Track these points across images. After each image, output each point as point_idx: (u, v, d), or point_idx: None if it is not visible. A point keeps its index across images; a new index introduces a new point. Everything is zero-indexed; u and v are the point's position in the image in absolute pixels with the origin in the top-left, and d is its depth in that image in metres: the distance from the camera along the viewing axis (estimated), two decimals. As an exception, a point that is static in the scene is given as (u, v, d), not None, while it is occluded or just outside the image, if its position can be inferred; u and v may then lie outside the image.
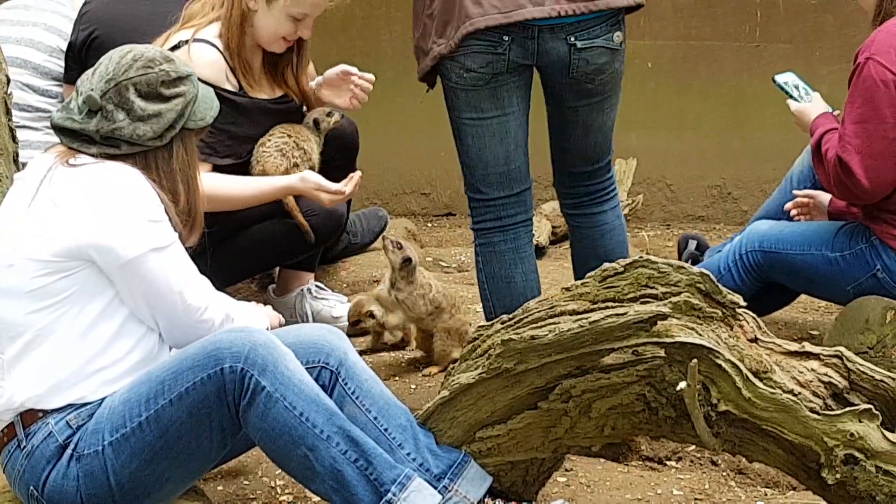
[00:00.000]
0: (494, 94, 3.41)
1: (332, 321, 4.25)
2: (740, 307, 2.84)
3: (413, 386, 4.00)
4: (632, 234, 5.50)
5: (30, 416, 2.81)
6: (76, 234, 2.76)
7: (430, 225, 6.29)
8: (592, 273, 2.88)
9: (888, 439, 2.71)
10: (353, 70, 4.16)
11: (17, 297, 2.79)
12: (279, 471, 3.03)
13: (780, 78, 4.09)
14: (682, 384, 2.73)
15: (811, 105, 3.97)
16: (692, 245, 4.68)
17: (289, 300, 4.43)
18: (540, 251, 5.20)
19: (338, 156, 4.25)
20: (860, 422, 2.71)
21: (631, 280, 2.83)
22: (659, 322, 2.77)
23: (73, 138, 2.85)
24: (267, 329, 2.97)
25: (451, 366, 3.03)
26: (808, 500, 3.16)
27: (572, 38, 3.37)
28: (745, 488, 3.45)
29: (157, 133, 2.84)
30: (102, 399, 2.82)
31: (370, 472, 2.78)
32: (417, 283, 3.97)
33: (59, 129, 2.86)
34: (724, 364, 2.75)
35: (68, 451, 2.79)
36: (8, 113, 3.40)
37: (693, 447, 3.55)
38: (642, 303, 2.80)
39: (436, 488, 2.84)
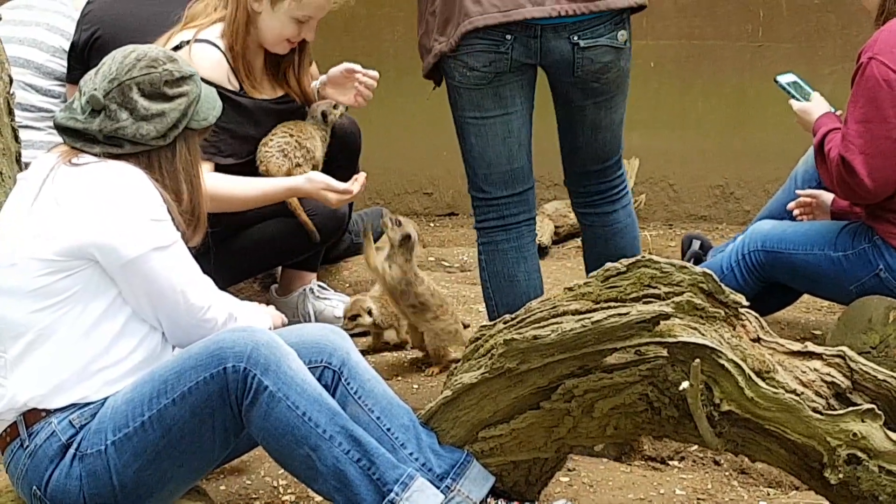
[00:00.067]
0: (497, 93, 3.41)
1: (334, 321, 4.25)
2: (743, 307, 2.84)
3: (415, 386, 4.00)
4: (634, 233, 5.50)
5: (33, 416, 2.81)
6: (78, 234, 2.76)
7: (432, 225, 6.29)
8: (595, 273, 2.88)
9: (891, 439, 2.71)
10: (357, 68, 4.16)
11: (19, 296, 2.80)
12: (282, 470, 3.03)
13: (782, 78, 4.09)
14: (685, 384, 2.73)
15: (814, 105, 3.97)
16: (696, 245, 4.68)
17: (291, 300, 4.43)
18: (542, 251, 5.19)
19: (340, 156, 4.25)
20: (863, 422, 2.71)
21: (633, 280, 2.83)
22: (661, 322, 2.77)
23: (76, 138, 2.85)
24: (270, 329, 2.97)
25: (454, 365, 3.03)
26: (810, 500, 3.16)
27: (575, 38, 3.36)
28: (747, 488, 3.44)
29: (160, 132, 2.84)
30: (105, 398, 2.82)
31: (373, 471, 2.78)
32: (414, 265, 3.95)
33: (62, 129, 2.87)
34: (726, 364, 2.75)
35: (71, 451, 2.79)
36: (11, 113, 3.40)
37: (696, 447, 3.55)
38: (645, 302, 2.80)
39: (438, 488, 2.85)
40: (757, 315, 2.89)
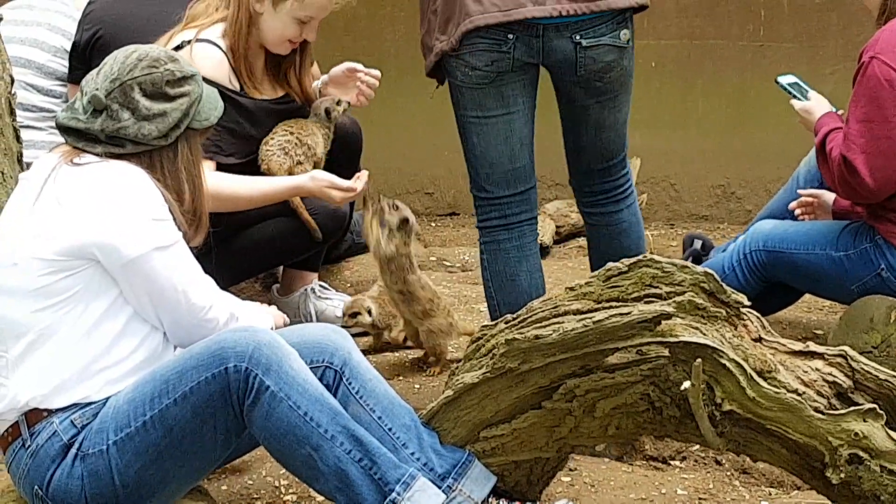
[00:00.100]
0: (499, 92, 3.41)
1: (335, 321, 4.24)
2: (744, 307, 2.84)
3: (417, 385, 4.00)
4: (636, 233, 5.49)
5: (34, 416, 2.81)
6: (80, 233, 2.76)
7: (433, 225, 6.29)
8: (596, 272, 2.88)
9: (893, 439, 2.70)
10: (359, 67, 4.16)
11: (21, 295, 2.80)
12: (283, 470, 3.03)
13: (783, 79, 4.09)
14: (687, 384, 2.73)
15: (816, 104, 3.97)
16: (697, 244, 4.68)
17: (292, 300, 4.43)
18: (544, 251, 5.20)
19: (342, 155, 4.25)
20: (865, 421, 2.71)
21: (635, 279, 2.83)
22: (663, 321, 2.77)
23: (78, 138, 2.85)
24: (271, 329, 2.97)
25: (455, 365, 3.03)
26: (812, 500, 3.16)
27: (577, 37, 3.36)
28: (749, 488, 3.44)
29: (161, 132, 2.84)
30: (107, 398, 2.82)
31: (374, 471, 2.78)
32: (411, 252, 3.94)
33: (64, 129, 2.87)
34: (728, 363, 2.75)
35: (73, 451, 2.79)
36: (12, 113, 3.40)
37: (697, 447, 3.55)
38: (646, 302, 2.80)
39: (440, 488, 2.85)
40: (758, 315, 2.89)
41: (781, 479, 3.47)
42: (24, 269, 2.79)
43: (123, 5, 4.31)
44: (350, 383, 2.96)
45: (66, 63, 4.42)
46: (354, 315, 4.09)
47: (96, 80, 2.85)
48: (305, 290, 4.44)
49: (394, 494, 2.77)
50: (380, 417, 2.93)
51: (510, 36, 3.34)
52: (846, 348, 2.85)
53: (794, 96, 4.03)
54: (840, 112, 3.94)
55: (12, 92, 3.41)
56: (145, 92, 2.83)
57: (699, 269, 2.82)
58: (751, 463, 3.42)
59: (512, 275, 3.51)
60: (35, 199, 2.81)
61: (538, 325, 2.83)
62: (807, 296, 4.33)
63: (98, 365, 2.81)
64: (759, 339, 2.85)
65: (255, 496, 3.32)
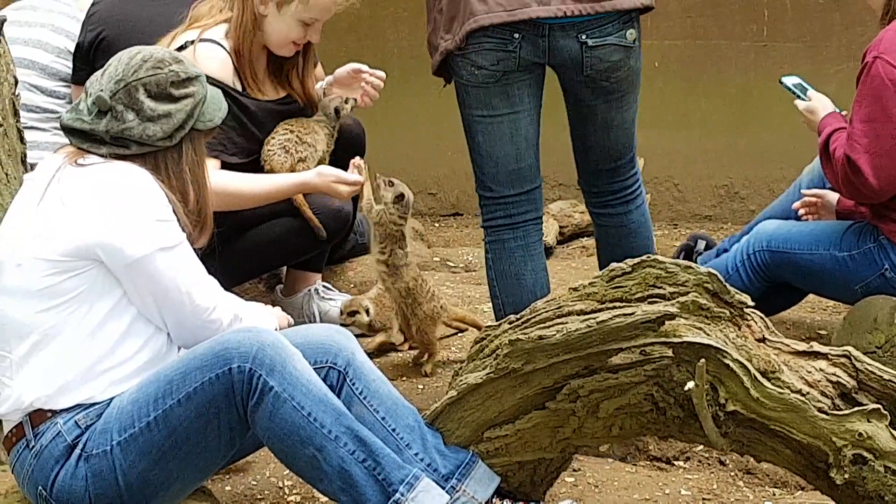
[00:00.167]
0: (505, 91, 3.41)
1: (339, 321, 4.25)
2: (748, 307, 2.84)
3: (421, 386, 4.00)
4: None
5: (38, 416, 2.82)
6: (83, 234, 2.77)
7: (437, 225, 6.29)
8: (600, 273, 2.88)
9: (897, 439, 2.71)
10: (364, 68, 4.17)
11: (25, 296, 2.80)
12: (287, 471, 3.03)
13: (787, 80, 4.09)
14: (690, 384, 2.73)
15: (819, 105, 3.97)
16: (700, 245, 4.68)
17: (296, 301, 4.43)
18: (547, 251, 5.18)
19: (345, 156, 4.24)
20: (869, 422, 2.71)
21: (638, 280, 2.83)
22: (667, 322, 2.77)
23: (82, 139, 2.85)
24: (275, 329, 2.97)
25: (458, 365, 3.03)
26: (816, 500, 3.16)
27: (583, 37, 3.36)
28: (753, 488, 3.44)
29: (166, 133, 2.84)
30: (111, 399, 2.82)
31: (378, 472, 2.78)
32: (407, 231, 3.93)
33: (68, 130, 2.87)
34: (732, 364, 2.75)
35: (77, 451, 2.80)
36: (16, 114, 3.41)
37: (701, 447, 3.55)
38: (650, 303, 2.80)
39: (444, 488, 2.84)
40: (762, 315, 2.88)
41: (785, 479, 3.47)
42: (29, 269, 2.79)
43: (127, 6, 4.31)
44: (354, 384, 2.96)
45: (70, 64, 4.42)
46: (353, 314, 4.08)
47: (101, 82, 2.85)
48: (309, 290, 4.44)
49: (397, 495, 2.77)
50: (383, 418, 2.93)
51: (516, 35, 3.34)
52: (850, 348, 2.85)
53: (798, 96, 4.03)
54: (843, 112, 3.94)
55: (16, 93, 3.41)
56: (150, 93, 2.83)
57: (703, 269, 2.82)
58: (754, 463, 3.42)
59: (517, 274, 3.51)
60: (39, 199, 2.82)
61: (542, 325, 2.82)
62: (810, 296, 4.33)
63: (102, 365, 2.81)
64: (763, 340, 2.85)
65: (259, 497, 3.33)
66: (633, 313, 2.76)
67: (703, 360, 2.71)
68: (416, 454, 2.90)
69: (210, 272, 2.92)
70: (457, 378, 2.96)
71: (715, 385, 2.76)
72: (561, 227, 5.63)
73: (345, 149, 4.25)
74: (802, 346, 2.86)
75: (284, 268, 4.55)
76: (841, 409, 2.75)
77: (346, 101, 4.15)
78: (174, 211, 2.83)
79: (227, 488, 3.35)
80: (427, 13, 3.50)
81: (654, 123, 5.90)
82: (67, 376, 2.80)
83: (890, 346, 3.65)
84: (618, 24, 3.39)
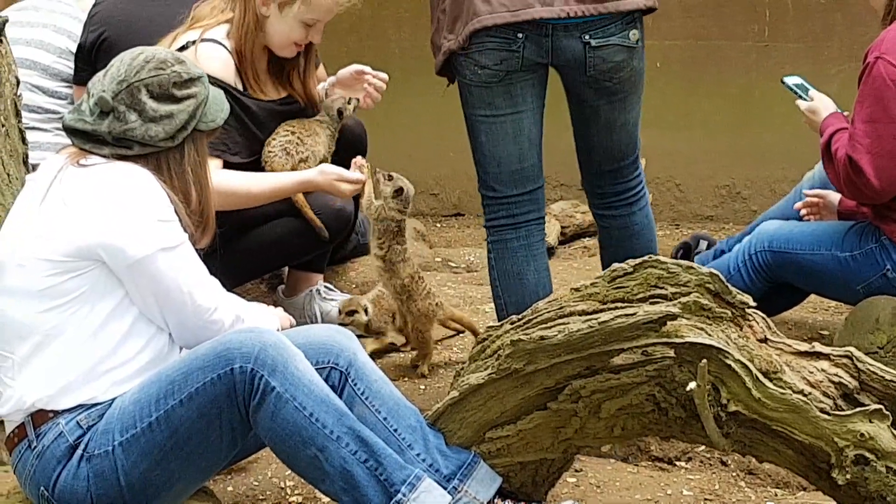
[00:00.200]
0: (508, 91, 3.41)
1: (337, 321, 4.24)
2: (750, 307, 2.84)
3: (422, 386, 4.00)
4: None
5: (40, 417, 2.82)
6: (85, 234, 2.77)
7: (438, 225, 6.29)
8: (602, 273, 2.88)
9: (899, 439, 2.70)
10: (368, 69, 4.17)
11: (27, 296, 2.80)
12: (289, 471, 3.03)
13: (789, 80, 4.09)
14: (692, 384, 2.73)
15: (821, 105, 3.97)
16: (703, 245, 4.68)
17: (298, 301, 4.43)
18: (549, 251, 5.18)
19: (347, 156, 4.24)
20: (871, 422, 2.71)
21: (640, 280, 2.83)
22: (668, 322, 2.77)
23: (85, 140, 2.85)
24: (277, 330, 2.97)
25: (460, 366, 3.03)
26: (818, 501, 3.16)
27: (587, 37, 3.37)
28: (755, 489, 3.44)
29: (168, 134, 2.84)
30: (113, 399, 2.82)
31: (380, 472, 2.78)
32: (405, 220, 3.93)
33: (71, 131, 2.87)
34: (733, 364, 2.75)
35: (79, 452, 2.80)
36: (18, 114, 3.41)
37: (703, 447, 3.55)
38: (652, 303, 2.80)
39: (445, 489, 2.85)
40: (764, 315, 2.88)
41: (787, 479, 3.47)
42: (30, 270, 2.79)
43: (129, 7, 4.31)
44: (355, 384, 2.96)
45: (72, 64, 4.42)
46: (351, 313, 4.07)
47: (103, 82, 2.85)
48: (311, 291, 4.44)
49: (399, 495, 2.77)
50: (385, 418, 2.93)
51: (520, 35, 3.35)
52: (852, 349, 2.85)
53: (800, 97, 4.03)
54: (845, 113, 3.94)
55: (18, 93, 3.41)
56: (152, 94, 2.83)
57: (705, 270, 2.82)
58: (756, 464, 3.42)
59: (519, 274, 3.52)
60: (41, 200, 2.82)
61: (543, 325, 2.82)
62: (812, 296, 4.33)
63: (104, 366, 2.81)
64: (765, 340, 2.85)
65: (261, 497, 3.33)
66: (634, 314, 2.76)
67: (704, 361, 2.71)
68: (418, 455, 2.90)
69: (212, 272, 2.92)
70: (458, 378, 2.96)
71: (717, 385, 2.76)
72: (563, 227, 5.64)
73: (346, 149, 4.25)
74: (804, 347, 2.86)
75: (286, 268, 4.55)
76: (843, 410, 2.75)
77: (349, 102, 4.15)
78: (176, 211, 2.83)
79: (229, 489, 3.35)
80: (430, 13, 3.50)
81: (655, 124, 5.89)
82: (69, 377, 2.80)
83: (892, 346, 3.65)
84: (621, 25, 3.39)
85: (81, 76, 4.31)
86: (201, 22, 3.97)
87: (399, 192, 3.89)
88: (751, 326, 2.85)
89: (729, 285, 2.82)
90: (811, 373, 2.80)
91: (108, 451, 2.78)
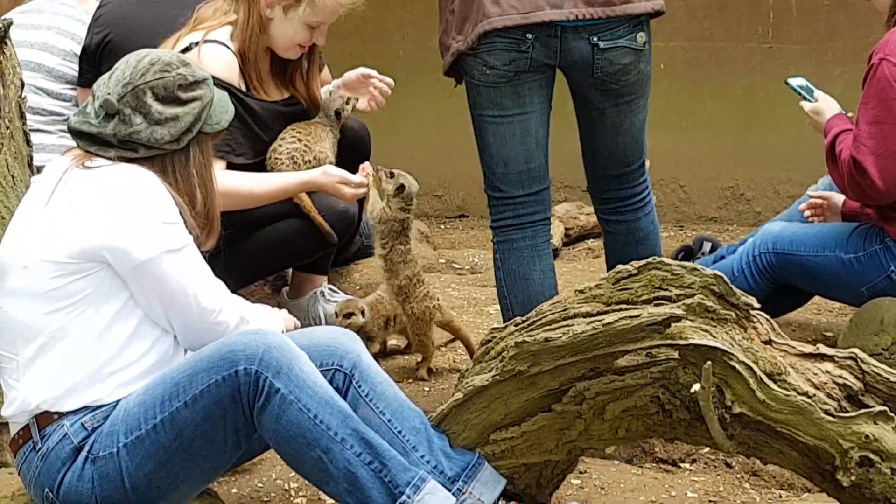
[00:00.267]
0: (516, 91, 3.42)
1: (335, 323, 4.24)
2: (754, 309, 2.84)
3: (427, 388, 4.00)
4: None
5: (45, 418, 2.82)
6: (90, 236, 2.77)
7: (442, 227, 6.29)
8: (606, 275, 2.88)
9: (903, 441, 2.70)
10: (374, 73, 4.17)
11: (32, 298, 2.80)
12: (293, 473, 3.03)
13: (794, 81, 4.09)
14: (697, 386, 2.73)
15: (825, 106, 3.97)
16: (706, 247, 4.68)
17: (302, 303, 4.44)
18: (553, 253, 5.19)
19: (350, 158, 4.24)
20: (875, 424, 2.71)
21: (644, 282, 2.83)
22: (673, 324, 2.77)
23: (90, 142, 2.86)
24: (281, 332, 2.97)
25: (464, 368, 3.03)
26: (822, 503, 3.15)
27: (595, 39, 3.38)
28: (759, 490, 3.44)
29: (174, 136, 2.85)
30: (117, 401, 2.82)
31: (384, 474, 2.78)
32: (410, 223, 3.92)
33: (76, 133, 2.87)
34: (738, 366, 2.74)
35: (83, 453, 2.80)
36: (22, 117, 3.41)
37: (707, 449, 3.55)
38: (656, 305, 2.80)
39: (450, 491, 2.84)
40: (768, 317, 2.88)
41: (792, 481, 3.47)
42: (35, 271, 2.80)
43: (133, 9, 4.32)
44: (360, 386, 2.96)
45: (76, 66, 4.42)
46: (348, 315, 4.07)
47: (108, 85, 2.85)
48: (315, 293, 4.44)
49: (404, 497, 2.77)
50: (389, 420, 2.93)
51: (529, 36, 3.35)
52: (856, 350, 2.84)
53: (804, 98, 4.03)
54: (849, 114, 3.94)
55: (22, 96, 3.42)
56: (157, 96, 2.83)
57: (709, 271, 2.82)
58: (761, 465, 3.42)
59: (525, 274, 3.52)
60: (46, 202, 2.82)
61: (548, 327, 2.82)
62: (816, 298, 4.33)
63: (109, 368, 2.82)
64: (769, 342, 2.84)
65: (265, 499, 3.33)
66: (639, 315, 2.76)
67: (709, 363, 2.71)
68: (423, 456, 2.90)
69: (216, 274, 2.92)
70: (463, 380, 2.96)
71: (721, 387, 2.76)
72: (567, 228, 5.64)
73: (350, 151, 4.25)
74: (808, 349, 2.86)
75: (290, 270, 4.55)
76: (847, 412, 2.75)
77: (347, 102, 4.15)
78: (181, 214, 2.83)
79: (234, 490, 3.35)
80: (439, 14, 3.51)
81: (659, 125, 5.89)
82: (74, 378, 2.80)
83: (896, 348, 3.65)
84: (629, 28, 3.41)
85: (86, 78, 4.31)
86: (204, 23, 3.97)
87: (400, 189, 3.89)
88: (755, 328, 2.84)
89: (733, 287, 2.82)
90: (815, 374, 2.80)
91: (113, 453, 2.78)
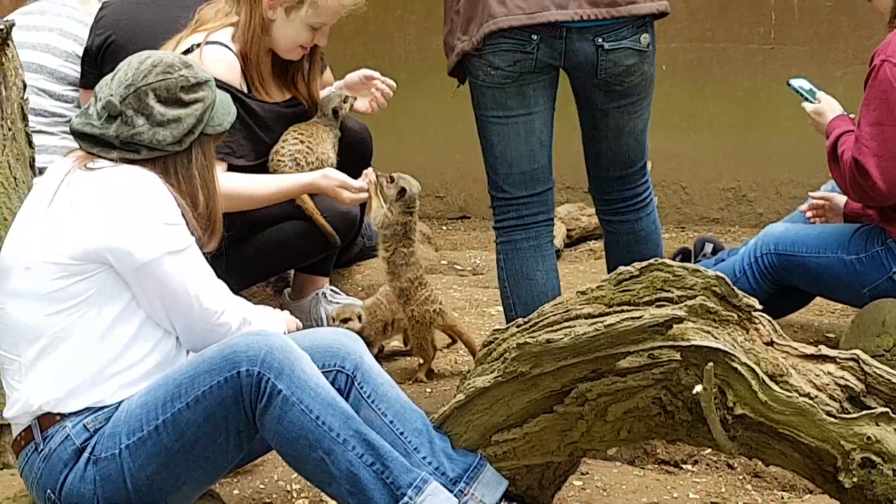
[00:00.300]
0: (521, 92, 3.42)
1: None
2: (756, 310, 2.84)
3: (428, 389, 4.00)
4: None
5: (47, 420, 2.82)
6: (92, 237, 2.77)
7: (444, 228, 6.29)
8: (608, 277, 2.88)
9: (905, 442, 2.70)
10: (376, 75, 4.17)
11: (34, 299, 2.80)
12: (295, 474, 3.04)
13: (796, 82, 4.09)
14: (698, 387, 2.73)
15: (827, 107, 3.97)
16: (708, 248, 4.68)
17: (304, 304, 4.44)
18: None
19: (352, 160, 4.25)
20: (877, 425, 2.71)
21: (646, 283, 2.83)
22: (674, 325, 2.77)
23: (92, 143, 2.86)
24: (283, 333, 2.97)
25: (466, 370, 3.03)
26: (824, 504, 3.16)
27: (599, 40, 3.38)
28: (761, 492, 3.44)
29: (176, 138, 2.85)
30: (120, 402, 2.82)
31: (386, 475, 2.78)
32: (413, 226, 3.92)
33: (78, 135, 2.88)
34: (740, 367, 2.74)
35: (85, 455, 2.80)
36: (24, 118, 3.41)
37: (709, 450, 3.55)
38: (658, 306, 2.80)
39: (452, 492, 2.84)
40: (770, 318, 2.88)
41: (794, 482, 3.47)
42: (38, 272, 2.80)
43: (136, 10, 4.32)
44: (362, 387, 2.96)
45: (78, 68, 4.43)
46: (345, 321, 4.06)
47: (111, 86, 2.85)
48: (317, 294, 4.44)
49: (406, 498, 2.77)
50: (391, 421, 2.94)
51: (534, 37, 3.36)
52: (858, 352, 2.84)
53: (806, 99, 4.03)
54: (851, 115, 3.94)
55: (25, 97, 3.42)
56: (160, 98, 2.84)
57: (710, 272, 2.82)
58: (763, 467, 3.42)
59: (528, 274, 3.52)
60: (48, 203, 2.82)
61: (550, 328, 2.82)
62: (818, 299, 4.33)
63: (111, 369, 2.82)
64: (771, 343, 2.84)
65: (267, 500, 3.33)
66: (640, 317, 2.76)
67: (711, 364, 2.71)
68: (424, 458, 2.90)
69: (218, 275, 2.92)
70: (465, 382, 2.96)
71: (723, 388, 2.76)
72: (568, 230, 5.64)
73: (352, 153, 4.25)
74: (810, 350, 2.86)
75: (292, 272, 4.55)
76: (849, 413, 2.75)
77: (346, 101, 4.15)
78: (183, 215, 2.84)
79: (235, 492, 3.35)
80: (444, 14, 3.51)
81: (661, 126, 5.88)
82: (77, 380, 2.80)
83: (898, 349, 3.65)
84: (633, 29, 3.41)
85: (88, 80, 4.31)
86: (205, 25, 3.97)
87: (402, 192, 3.89)
88: (757, 329, 2.84)
89: (735, 288, 2.82)
90: (817, 376, 2.80)
91: (115, 455, 2.78)
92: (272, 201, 3.95)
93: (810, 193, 4.24)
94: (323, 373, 2.86)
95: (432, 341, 4.04)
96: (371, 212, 3.97)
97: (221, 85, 3.37)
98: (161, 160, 2.86)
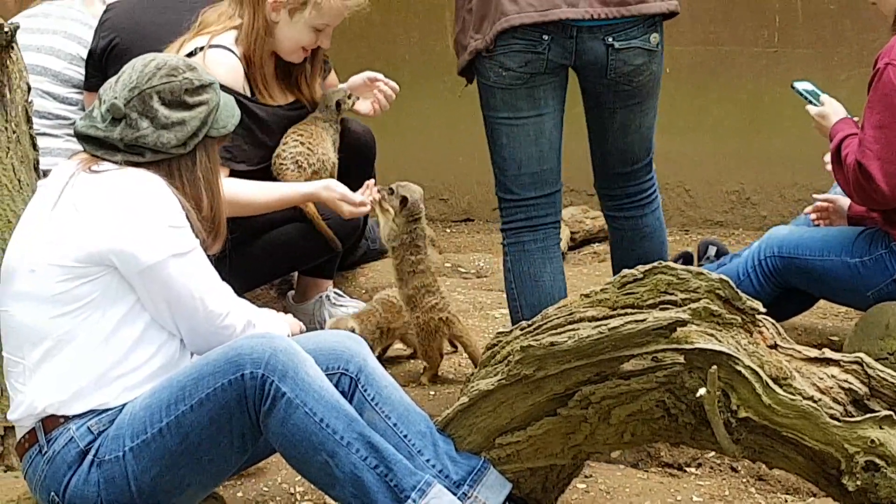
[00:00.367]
0: (532, 93, 3.43)
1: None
2: (760, 313, 2.84)
3: (432, 392, 4.00)
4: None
5: (51, 422, 2.82)
6: (97, 240, 2.78)
7: (448, 231, 6.28)
8: (611, 279, 2.88)
9: (909, 446, 2.70)
10: (380, 76, 4.18)
11: (39, 302, 2.81)
12: (299, 477, 3.03)
13: (800, 85, 4.09)
14: (702, 391, 2.72)
15: (831, 110, 3.97)
16: (712, 251, 4.68)
17: (308, 307, 4.44)
18: (559, 256, 5.19)
19: (355, 163, 4.25)
20: (881, 428, 2.70)
21: (650, 286, 2.83)
22: (678, 328, 2.77)
23: (97, 146, 2.86)
24: (287, 335, 2.97)
25: (470, 372, 3.03)
26: (828, 507, 3.15)
27: (610, 39, 3.39)
28: (765, 495, 3.44)
29: (180, 141, 2.85)
30: (124, 405, 2.83)
31: (390, 478, 2.78)
32: (421, 232, 3.92)
33: (82, 138, 2.88)
34: (743, 370, 2.74)
35: (89, 457, 2.80)
36: (29, 121, 3.42)
37: (713, 453, 3.54)
38: (661, 309, 2.80)
39: (455, 495, 2.84)
40: (774, 321, 2.88)
41: (797, 485, 3.47)
42: (42, 275, 2.80)
43: (140, 13, 4.32)
44: (365, 390, 2.96)
45: (82, 70, 4.43)
46: None
47: (115, 89, 2.86)
48: (320, 297, 4.45)
49: (409, 501, 2.77)
50: (395, 424, 2.94)
51: (545, 37, 3.36)
52: (862, 355, 2.84)
53: (811, 102, 4.03)
54: (855, 118, 3.94)
55: (29, 100, 3.42)
56: (164, 100, 2.84)
57: (714, 275, 2.82)
58: (766, 470, 3.41)
59: (536, 276, 3.52)
60: (53, 205, 2.83)
61: (553, 331, 2.82)
62: (822, 302, 4.33)
63: (116, 371, 2.82)
64: (775, 346, 2.84)
65: (271, 503, 3.33)
66: (644, 320, 2.76)
67: (714, 367, 2.71)
68: (428, 460, 2.90)
69: (222, 278, 2.93)
70: (468, 384, 2.96)
71: (727, 391, 2.76)
72: (572, 233, 5.63)
73: (355, 156, 4.26)
74: (814, 353, 2.86)
75: (296, 274, 4.55)
76: (853, 416, 2.74)
77: (349, 97, 4.15)
78: (188, 217, 2.84)
79: (239, 494, 3.35)
80: (455, 13, 3.51)
81: (665, 129, 5.85)
82: (81, 382, 2.81)
83: (902, 352, 3.65)
84: (643, 28, 3.42)
85: (92, 82, 4.32)
86: (209, 28, 3.98)
87: (404, 201, 3.89)
88: (761, 332, 2.84)
89: (739, 291, 2.82)
90: (821, 379, 2.80)
91: (119, 457, 2.79)
92: (272, 209, 3.96)
93: (815, 196, 4.23)
94: (327, 375, 2.86)
95: (438, 349, 4.02)
96: (381, 228, 3.98)
97: (224, 89, 3.37)
98: (165, 163, 2.86)
